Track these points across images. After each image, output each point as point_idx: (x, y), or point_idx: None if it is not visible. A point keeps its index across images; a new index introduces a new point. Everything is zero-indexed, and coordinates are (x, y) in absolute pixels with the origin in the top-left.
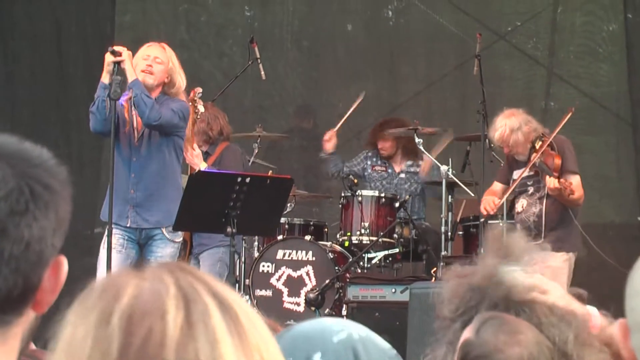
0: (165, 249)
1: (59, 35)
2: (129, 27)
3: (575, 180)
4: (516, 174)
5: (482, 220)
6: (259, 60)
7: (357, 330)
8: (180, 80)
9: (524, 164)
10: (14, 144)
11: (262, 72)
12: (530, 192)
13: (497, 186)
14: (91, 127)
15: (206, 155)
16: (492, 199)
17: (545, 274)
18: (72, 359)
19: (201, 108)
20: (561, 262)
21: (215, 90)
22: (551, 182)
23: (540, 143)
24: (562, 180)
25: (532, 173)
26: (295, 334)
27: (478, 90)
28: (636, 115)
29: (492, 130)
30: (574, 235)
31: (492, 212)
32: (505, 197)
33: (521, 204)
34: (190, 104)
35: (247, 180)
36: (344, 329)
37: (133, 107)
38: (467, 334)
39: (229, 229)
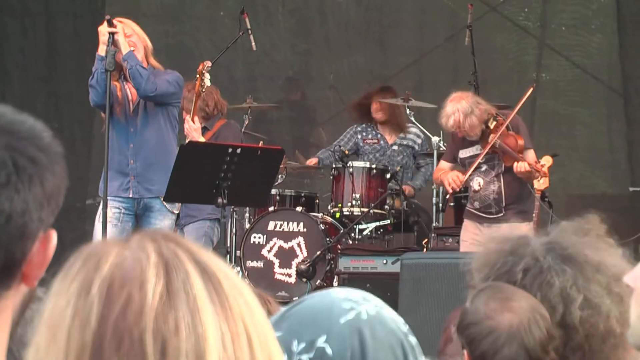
0: (164, 220)
1: (48, 9)
2: (118, 0)
3: (530, 155)
4: (463, 152)
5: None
6: (249, 31)
7: (367, 309)
8: (149, 41)
9: (470, 143)
10: (5, 115)
11: (253, 43)
12: (483, 170)
13: (444, 165)
14: (91, 100)
15: (204, 130)
16: (457, 175)
17: None
18: (53, 330)
19: (207, 82)
20: (528, 230)
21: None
22: (522, 166)
23: (494, 123)
24: (532, 163)
25: (482, 151)
26: (303, 311)
27: (469, 61)
28: (627, 86)
29: (444, 117)
30: (532, 205)
31: (457, 189)
32: (467, 175)
33: (477, 182)
34: (198, 76)
35: (238, 151)
36: (353, 307)
37: (124, 80)
38: (466, 302)
39: (219, 200)
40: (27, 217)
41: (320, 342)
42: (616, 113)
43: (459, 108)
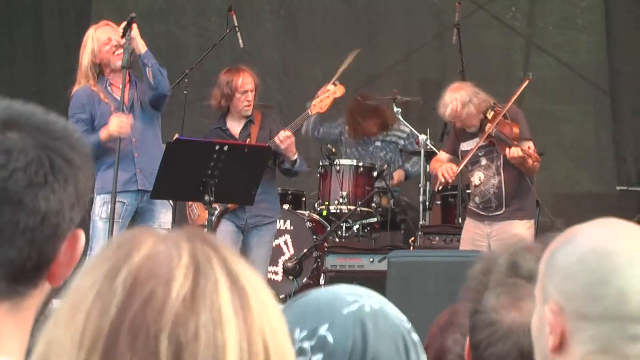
0: (168, 214)
1: (37, 11)
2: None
3: (531, 146)
4: (465, 145)
5: (438, 188)
6: (237, 29)
7: (371, 302)
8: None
9: (471, 135)
10: (37, 115)
11: (240, 41)
12: (483, 164)
13: (443, 155)
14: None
15: (248, 124)
16: (450, 166)
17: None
18: (74, 309)
19: None
20: (525, 229)
21: (194, 60)
22: (514, 151)
23: (492, 113)
24: (524, 148)
25: (484, 143)
26: (308, 302)
27: (457, 59)
28: (614, 85)
29: (442, 106)
30: (532, 203)
31: (450, 180)
32: (461, 167)
33: (478, 176)
34: (329, 96)
35: (225, 148)
36: (357, 300)
37: (109, 85)
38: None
39: (206, 197)
40: (61, 217)
41: (322, 330)
42: (603, 111)
43: (457, 97)
